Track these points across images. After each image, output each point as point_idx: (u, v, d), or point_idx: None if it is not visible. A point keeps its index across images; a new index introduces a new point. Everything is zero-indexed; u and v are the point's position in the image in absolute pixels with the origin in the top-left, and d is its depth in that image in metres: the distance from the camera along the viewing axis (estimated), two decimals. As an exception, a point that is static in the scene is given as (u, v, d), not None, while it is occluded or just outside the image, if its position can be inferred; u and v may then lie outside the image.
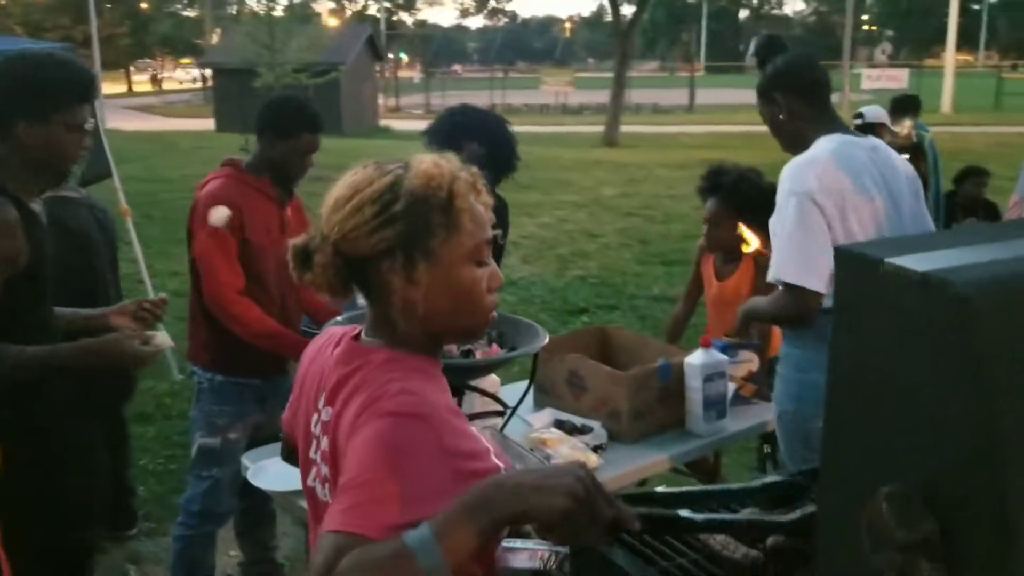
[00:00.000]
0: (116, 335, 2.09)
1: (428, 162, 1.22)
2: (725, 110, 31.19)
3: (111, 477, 3.36)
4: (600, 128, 21.55)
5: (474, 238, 1.22)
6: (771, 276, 2.28)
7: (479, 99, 33.75)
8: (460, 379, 2.37)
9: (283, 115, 2.72)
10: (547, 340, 2.26)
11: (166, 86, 49.15)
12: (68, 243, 2.94)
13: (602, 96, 25.24)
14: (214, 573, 2.98)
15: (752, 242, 2.92)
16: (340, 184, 1.23)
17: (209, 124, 24.63)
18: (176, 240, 10.18)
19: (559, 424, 2.56)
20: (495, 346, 2.30)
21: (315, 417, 1.26)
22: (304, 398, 1.33)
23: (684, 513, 1.16)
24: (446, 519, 0.97)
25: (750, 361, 2.71)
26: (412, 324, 1.21)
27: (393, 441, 1.07)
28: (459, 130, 2.97)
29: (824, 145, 2.32)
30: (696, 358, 2.52)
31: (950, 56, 31.64)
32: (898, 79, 30.85)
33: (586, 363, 2.62)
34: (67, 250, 2.99)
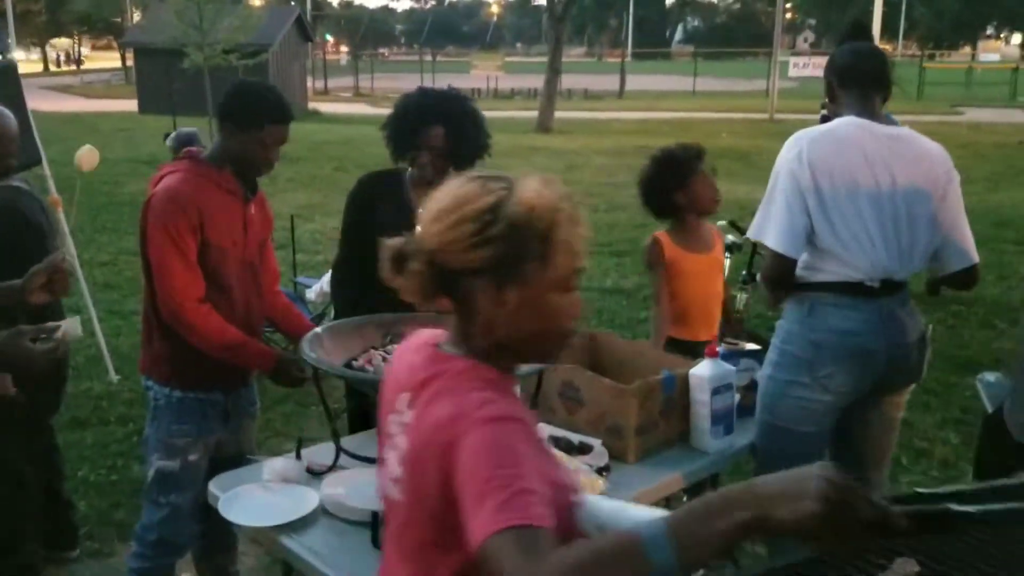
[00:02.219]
0: (10, 333, 1.91)
1: (532, 189, 1.21)
2: (654, 96, 31.50)
3: (42, 492, 3.08)
4: (533, 113, 21.40)
5: (566, 268, 1.23)
6: (750, 233, 2.50)
7: (410, 82, 33.49)
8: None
9: (247, 104, 2.46)
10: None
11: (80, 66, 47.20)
12: (30, 234, 2.71)
13: (531, 81, 25.17)
14: (173, 607, 2.73)
15: None
16: (444, 194, 1.26)
17: (131, 105, 23.67)
18: (102, 228, 9.72)
19: (554, 441, 2.38)
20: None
21: (394, 417, 1.30)
22: (383, 399, 1.37)
23: (956, 507, 0.99)
24: (683, 517, 0.94)
25: (751, 369, 2.58)
26: (491, 341, 1.24)
27: (501, 443, 1.09)
28: (420, 115, 2.76)
29: (829, 125, 2.44)
30: (704, 369, 2.38)
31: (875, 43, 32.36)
32: (824, 67, 31.50)
33: (582, 374, 2.45)
34: (29, 240, 2.77)
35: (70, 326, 2.03)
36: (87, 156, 4.95)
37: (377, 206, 2.83)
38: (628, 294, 6.87)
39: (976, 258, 2.44)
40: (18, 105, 4.58)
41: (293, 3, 33.10)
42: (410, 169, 2.86)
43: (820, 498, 0.89)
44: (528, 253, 1.19)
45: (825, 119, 6.08)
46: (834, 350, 2.34)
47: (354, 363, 2.15)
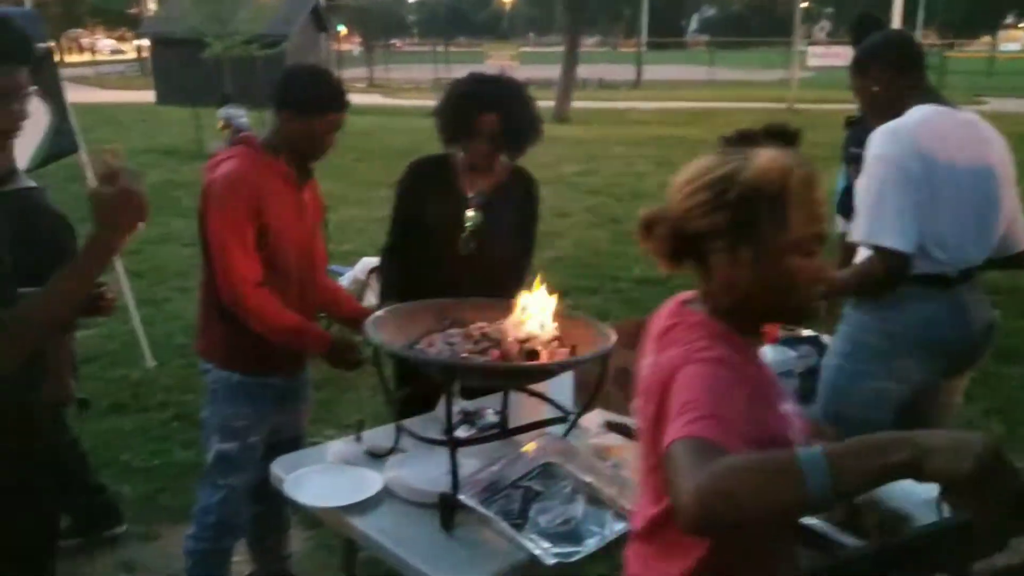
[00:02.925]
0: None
1: (766, 157, 1.32)
2: (670, 86, 31.33)
3: (75, 486, 3.10)
4: (549, 103, 21.30)
5: (801, 231, 1.30)
6: (859, 237, 2.37)
7: (423, 73, 33.70)
8: (519, 382, 2.21)
9: (308, 91, 2.46)
10: (615, 339, 2.09)
11: (97, 57, 47.31)
12: (65, 230, 2.70)
13: (545, 71, 25.03)
14: (229, 591, 2.76)
15: None
16: (690, 168, 1.38)
17: (147, 96, 23.73)
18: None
19: (611, 426, 2.40)
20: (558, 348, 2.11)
21: (643, 362, 1.42)
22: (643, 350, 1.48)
23: None
24: (841, 450, 1.00)
25: (808, 356, 2.58)
26: (731, 301, 1.35)
27: (708, 378, 1.22)
28: (474, 101, 2.75)
29: (915, 114, 2.39)
30: (765, 355, 2.37)
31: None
32: (843, 56, 31.06)
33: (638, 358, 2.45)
34: (65, 237, 2.76)
35: None
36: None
37: (427, 192, 2.83)
38: (659, 283, 6.84)
39: None
40: (54, 93, 4.61)
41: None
42: (460, 154, 2.86)
43: (978, 459, 0.94)
44: (761, 216, 1.29)
45: (854, 124, 5.99)
46: (911, 341, 2.35)
47: (415, 346, 2.16)
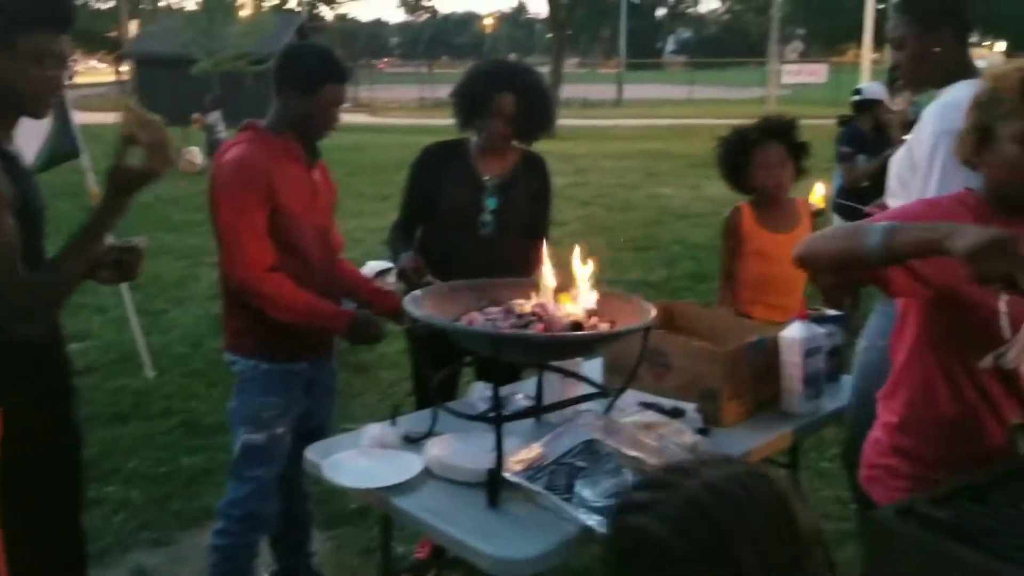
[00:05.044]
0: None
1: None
2: (651, 104, 31.61)
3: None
4: (535, 121, 21.40)
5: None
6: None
7: (407, 93, 33.77)
8: (566, 354, 2.18)
9: (306, 66, 2.45)
10: (654, 313, 2.08)
11: (76, 80, 47.02)
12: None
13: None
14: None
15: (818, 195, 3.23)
16: None
17: (129, 117, 23.56)
18: (116, 233, 9.67)
19: (646, 406, 2.37)
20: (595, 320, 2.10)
21: None
22: None
23: None
24: (899, 223, 1.51)
25: (835, 334, 2.57)
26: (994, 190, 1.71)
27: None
28: (493, 82, 2.77)
29: (967, 90, 2.18)
30: (795, 331, 2.37)
31: (866, 52, 32.58)
32: (817, 74, 31.65)
33: (671, 339, 2.44)
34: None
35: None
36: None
37: (442, 173, 2.84)
38: (655, 287, 6.87)
39: None
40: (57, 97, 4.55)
41: (299, 10, 33.17)
42: (474, 139, 2.88)
43: (981, 234, 1.35)
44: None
45: (846, 122, 6.02)
46: None
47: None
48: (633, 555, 0.91)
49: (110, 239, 2.07)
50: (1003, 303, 1.58)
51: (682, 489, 0.89)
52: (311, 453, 2.18)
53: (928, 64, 2.38)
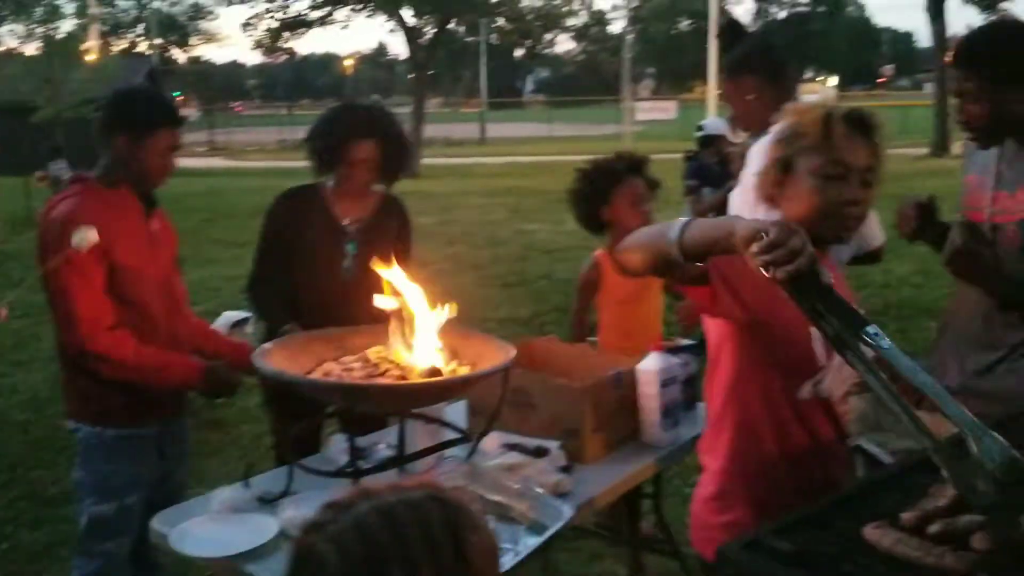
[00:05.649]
0: None
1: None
2: (513, 142, 32.19)
3: None
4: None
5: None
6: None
7: (267, 135, 33.13)
8: (423, 402, 2.14)
9: (136, 112, 2.34)
10: (513, 353, 2.07)
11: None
12: None
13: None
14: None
15: None
16: None
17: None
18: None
19: (510, 447, 2.35)
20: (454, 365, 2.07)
21: None
22: None
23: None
24: (695, 221, 1.47)
25: (688, 363, 2.63)
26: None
27: None
28: (351, 129, 2.72)
29: None
30: (651, 363, 2.41)
31: (712, 89, 34.33)
32: (668, 110, 33.09)
33: (532, 378, 2.43)
34: None
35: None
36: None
37: (299, 221, 2.78)
38: (524, 322, 6.91)
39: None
40: None
41: (150, 52, 32.09)
42: (329, 183, 2.83)
43: (759, 224, 1.31)
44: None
45: (691, 157, 6.30)
46: None
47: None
48: (299, 574, 0.96)
49: None
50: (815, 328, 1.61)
51: (353, 510, 0.94)
52: (157, 522, 2.05)
53: (745, 109, 2.58)
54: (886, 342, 1.16)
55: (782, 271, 1.24)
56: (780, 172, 1.69)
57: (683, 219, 1.46)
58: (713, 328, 1.78)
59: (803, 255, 1.24)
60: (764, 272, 1.28)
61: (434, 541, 0.92)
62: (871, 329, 1.18)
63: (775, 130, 1.74)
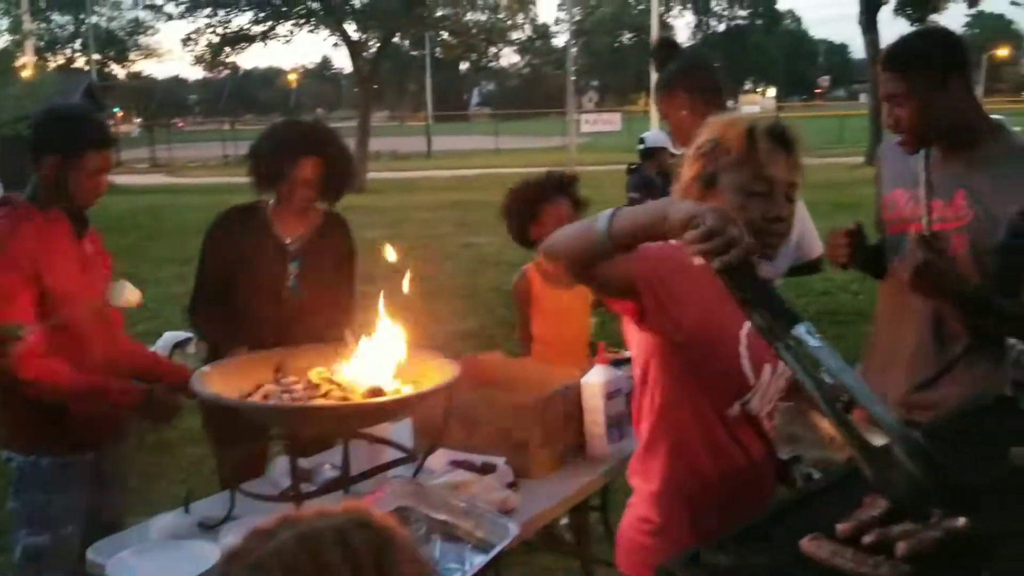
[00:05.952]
0: None
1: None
2: (460, 155, 32.20)
3: None
4: (344, 175, 21.20)
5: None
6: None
7: (210, 151, 32.63)
8: (365, 422, 2.11)
9: (65, 131, 2.29)
10: (457, 371, 2.05)
11: None
12: None
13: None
14: None
15: None
16: None
17: None
18: None
19: (458, 464, 2.34)
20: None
21: None
22: None
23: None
24: (624, 209, 1.44)
25: (632, 376, 2.64)
26: None
27: None
28: (293, 146, 2.70)
29: None
30: (596, 376, 2.42)
31: (654, 101, 34.73)
32: (613, 122, 33.41)
33: (478, 394, 2.43)
34: None
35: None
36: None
37: (241, 241, 2.74)
38: (473, 335, 6.91)
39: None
40: None
41: (88, 68, 31.43)
42: (271, 202, 2.80)
43: (694, 208, 1.30)
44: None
45: (633, 171, 6.40)
46: None
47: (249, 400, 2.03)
48: None
49: None
50: (743, 346, 1.58)
51: (275, 539, 0.92)
52: (93, 553, 2.00)
53: (679, 126, 2.60)
54: (816, 340, 1.16)
55: (718, 261, 1.22)
56: (703, 187, 1.64)
57: (611, 208, 1.41)
58: (639, 344, 1.72)
59: (739, 245, 1.22)
60: (699, 260, 1.25)
61: (358, 567, 0.90)
62: (803, 326, 1.18)
63: (695, 143, 1.70)
